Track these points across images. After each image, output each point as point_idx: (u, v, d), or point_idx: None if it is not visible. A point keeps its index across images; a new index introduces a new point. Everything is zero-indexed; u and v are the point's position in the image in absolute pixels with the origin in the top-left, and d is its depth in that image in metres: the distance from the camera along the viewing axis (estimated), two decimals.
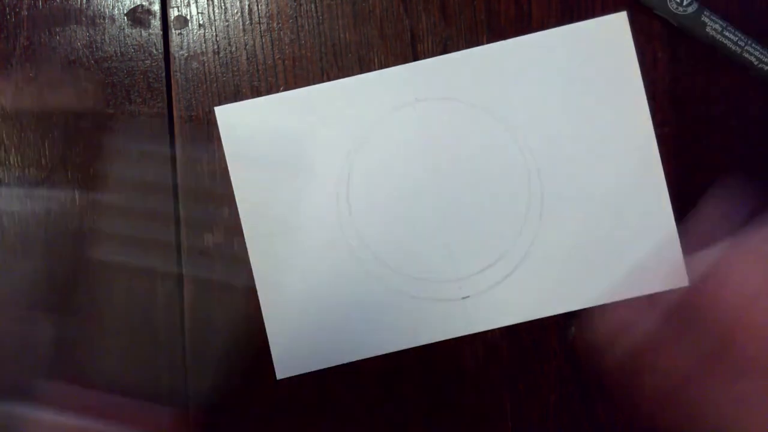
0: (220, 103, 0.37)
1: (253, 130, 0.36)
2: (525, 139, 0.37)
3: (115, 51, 0.37)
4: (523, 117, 0.37)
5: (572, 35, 0.37)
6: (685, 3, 0.36)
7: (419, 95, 0.37)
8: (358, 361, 0.36)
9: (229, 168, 0.37)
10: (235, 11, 0.37)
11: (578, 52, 0.37)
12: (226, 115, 0.37)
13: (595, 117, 0.37)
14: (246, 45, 0.37)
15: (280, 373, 0.36)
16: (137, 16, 0.38)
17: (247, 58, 0.37)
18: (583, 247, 0.36)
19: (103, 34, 0.37)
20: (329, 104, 0.37)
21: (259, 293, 0.36)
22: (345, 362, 0.36)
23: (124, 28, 0.38)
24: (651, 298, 0.35)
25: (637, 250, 0.36)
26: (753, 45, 0.36)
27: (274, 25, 0.37)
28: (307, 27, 0.37)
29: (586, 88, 0.37)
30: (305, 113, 0.37)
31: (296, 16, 0.37)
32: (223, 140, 0.37)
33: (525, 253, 0.36)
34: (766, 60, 0.36)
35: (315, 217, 0.37)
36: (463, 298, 0.36)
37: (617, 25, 0.37)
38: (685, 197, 0.37)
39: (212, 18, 0.37)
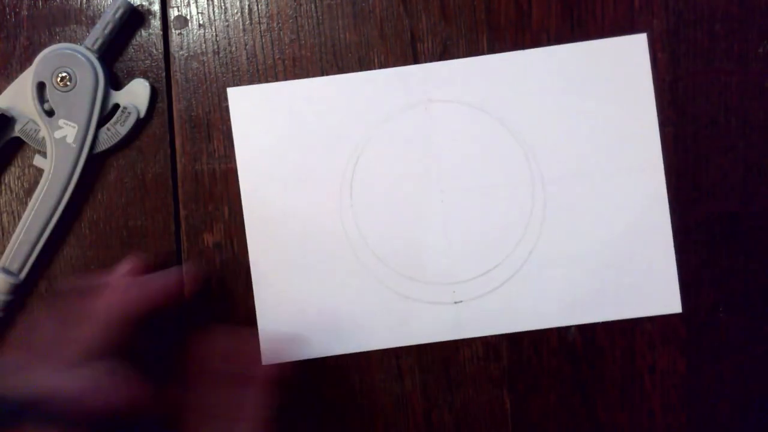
0: (220, 104, 0.37)
1: (262, 114, 0.36)
2: (532, 147, 0.37)
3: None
4: (532, 126, 0.37)
5: (589, 51, 0.37)
6: None
7: (432, 96, 0.37)
8: (354, 358, 0.36)
9: (236, 148, 0.37)
10: (235, 11, 0.37)
11: (593, 67, 0.37)
12: (238, 96, 0.37)
13: (603, 132, 0.37)
14: (246, 45, 0.37)
15: (266, 358, 0.36)
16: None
17: (247, 58, 0.37)
18: (581, 262, 0.36)
19: None
20: (341, 96, 0.37)
21: (253, 277, 0.36)
22: (331, 354, 0.36)
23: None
24: None
25: (635, 271, 0.36)
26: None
27: (274, 25, 0.37)
28: (307, 27, 0.37)
29: (597, 103, 0.37)
30: (316, 102, 0.37)
31: (296, 16, 0.37)
32: (232, 121, 0.37)
33: (521, 264, 0.36)
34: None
35: (316, 206, 0.37)
36: (455, 302, 0.36)
37: (636, 45, 0.37)
38: (684, 198, 0.37)
39: (212, 18, 0.37)
